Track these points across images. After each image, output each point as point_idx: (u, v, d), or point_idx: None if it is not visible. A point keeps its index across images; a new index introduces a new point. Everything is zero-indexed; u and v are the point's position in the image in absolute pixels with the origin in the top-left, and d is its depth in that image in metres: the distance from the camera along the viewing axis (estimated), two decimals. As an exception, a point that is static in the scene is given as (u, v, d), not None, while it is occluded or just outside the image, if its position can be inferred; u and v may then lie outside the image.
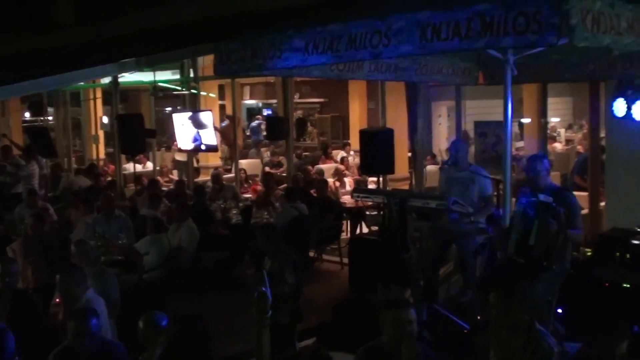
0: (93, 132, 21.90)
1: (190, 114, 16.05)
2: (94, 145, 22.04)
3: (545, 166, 7.85)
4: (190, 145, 16.08)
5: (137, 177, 15.88)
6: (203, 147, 15.81)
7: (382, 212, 10.26)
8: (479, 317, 8.02)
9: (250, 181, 17.16)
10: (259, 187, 16.13)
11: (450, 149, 9.90)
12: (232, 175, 17.62)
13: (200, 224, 11.41)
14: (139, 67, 11.71)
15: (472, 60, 11.30)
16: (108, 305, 7.27)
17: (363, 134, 12.14)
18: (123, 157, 17.52)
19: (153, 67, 14.95)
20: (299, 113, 24.88)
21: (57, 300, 7.16)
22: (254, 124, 25.48)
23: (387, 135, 11.73)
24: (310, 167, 17.57)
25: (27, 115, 26.09)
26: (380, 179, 13.00)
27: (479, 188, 9.33)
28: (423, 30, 6.69)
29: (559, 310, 8.01)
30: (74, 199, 13.25)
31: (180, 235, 10.91)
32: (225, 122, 20.06)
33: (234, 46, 8.56)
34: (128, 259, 10.33)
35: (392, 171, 12.00)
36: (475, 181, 9.32)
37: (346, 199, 15.24)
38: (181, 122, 16.07)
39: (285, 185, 15.18)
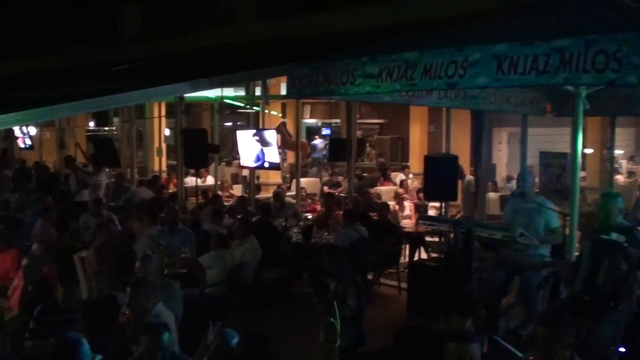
0: (156, 144, 22.22)
1: (254, 131, 16.20)
2: (156, 157, 22.35)
3: (618, 205, 7.79)
4: (253, 162, 16.21)
5: (203, 191, 16.08)
6: (266, 164, 15.92)
7: (443, 239, 10.29)
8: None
9: (309, 200, 17.26)
10: (318, 207, 16.23)
11: (518, 179, 9.86)
12: (292, 193, 17.77)
13: (265, 242, 11.51)
14: (212, 87, 11.88)
15: (541, 90, 11.29)
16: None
17: (428, 159, 12.16)
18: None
19: (223, 86, 15.13)
20: (358, 133, 24.91)
21: (127, 311, 7.27)
22: (317, 142, 25.63)
23: (451, 162, 11.74)
24: (370, 190, 17.61)
25: (91, 124, 26.57)
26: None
27: (545, 220, 9.26)
28: (500, 63, 6.72)
29: (623, 350, 7.91)
30: (138, 211, 13.44)
31: (243, 252, 11.00)
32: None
33: (307, 70, 8.67)
34: (190, 272, 10.49)
35: (455, 198, 12.00)
36: (541, 213, 9.25)
37: (405, 223, 15.25)
38: (245, 139, 16.22)
39: (345, 206, 15.24)
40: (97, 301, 7.43)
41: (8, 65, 25.71)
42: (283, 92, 16.61)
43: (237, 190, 19.79)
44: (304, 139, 24.43)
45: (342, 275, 8.03)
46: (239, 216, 13.31)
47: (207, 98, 19.24)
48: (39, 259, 8.79)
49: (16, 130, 24.98)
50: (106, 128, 25.38)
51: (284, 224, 13.77)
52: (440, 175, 11.57)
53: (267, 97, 15.85)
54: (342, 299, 7.76)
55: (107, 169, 17.24)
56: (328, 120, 27.26)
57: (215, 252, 10.56)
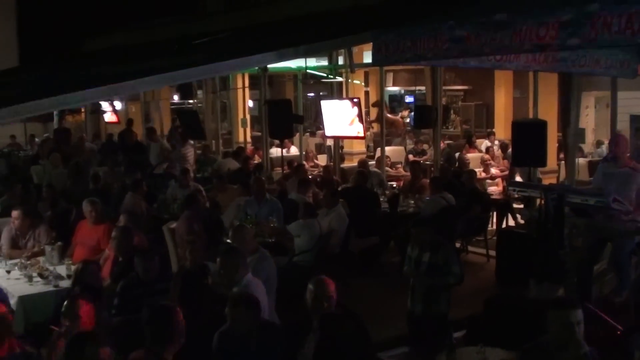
0: (240, 116, 22.37)
1: (339, 100, 16.13)
2: (241, 129, 22.51)
3: None
4: (337, 132, 16.16)
5: (288, 161, 16.14)
6: (350, 133, 15.85)
7: (533, 206, 10.09)
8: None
9: (394, 168, 17.16)
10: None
11: (610, 144, 9.59)
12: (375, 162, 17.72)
13: (359, 209, 11.47)
14: (297, 56, 11.86)
15: (632, 52, 10.93)
16: (265, 286, 7.40)
17: (516, 125, 11.94)
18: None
19: (308, 55, 15.12)
20: (442, 100, 24.64)
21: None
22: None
23: (540, 127, 11.49)
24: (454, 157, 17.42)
25: (175, 97, 26.92)
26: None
27: (638, 186, 9.00)
28: (593, 22, 6.50)
29: None
30: (220, 182, 13.59)
31: (330, 221, 11.00)
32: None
33: (393, 36, 8.54)
34: (279, 241, 10.54)
35: (544, 164, 11.74)
36: (635, 178, 9.00)
37: (492, 190, 15.04)
38: (329, 109, 16.18)
39: (431, 174, 15.12)
40: (189, 271, 7.49)
41: (92, 42, 26.18)
42: (366, 60, 16.54)
43: (322, 160, 19.84)
44: (398, 117, 24.32)
45: (440, 244, 7.91)
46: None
47: (289, 69, 19.28)
48: (129, 230, 8.92)
49: (103, 104, 25.51)
50: (190, 101, 25.67)
51: (369, 192, 13.70)
52: (528, 140, 11.34)
53: (353, 66, 15.75)
54: (444, 267, 7.69)
55: (192, 141, 17.45)
56: (411, 88, 27.01)
57: (303, 220, 10.58)
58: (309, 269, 10.10)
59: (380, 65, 10.85)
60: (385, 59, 8.71)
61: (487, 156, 17.32)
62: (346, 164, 18.40)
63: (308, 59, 17.76)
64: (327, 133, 16.91)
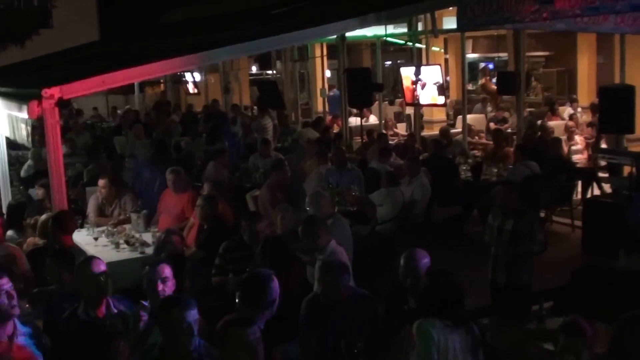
0: (319, 86, 22.32)
1: (419, 68, 15.93)
2: (320, 98, 22.47)
3: None
4: (417, 100, 15.97)
5: (368, 130, 16.04)
6: (431, 101, 15.65)
7: (621, 175, 9.82)
8: None
9: (476, 137, 16.91)
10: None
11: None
12: (456, 130, 17.48)
13: (438, 177, 11.36)
14: (378, 22, 11.72)
15: None
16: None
17: (603, 90, 11.62)
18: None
19: (389, 21, 14.92)
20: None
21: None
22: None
23: (628, 92, 11.14)
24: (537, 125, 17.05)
25: (254, 69, 27.01)
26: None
27: None
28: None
29: None
30: (308, 149, 13.59)
31: (412, 190, 10.90)
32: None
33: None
34: (360, 210, 10.48)
35: (632, 130, 11.39)
36: None
37: (577, 159, 14.69)
38: (409, 76, 16.00)
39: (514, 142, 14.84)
40: (277, 237, 7.49)
41: (170, 14, 26.42)
42: (446, 26, 16.27)
43: (401, 128, 19.67)
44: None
45: (524, 212, 7.74)
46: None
47: (366, 37, 19.09)
48: (214, 198, 8.97)
49: (185, 76, 25.75)
50: (268, 71, 25.73)
51: (452, 161, 13.54)
52: (616, 107, 11.02)
53: (436, 31, 15.49)
54: (529, 236, 7.53)
55: (274, 112, 17.48)
56: (490, 55, 26.50)
57: (386, 189, 10.50)
58: (392, 239, 10.08)
59: (465, 30, 10.64)
60: (471, 22, 8.57)
61: (571, 123, 16.89)
62: (426, 133, 18.20)
63: (387, 27, 17.55)
64: (407, 101, 16.72)
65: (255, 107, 21.24)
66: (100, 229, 9.70)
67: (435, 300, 4.97)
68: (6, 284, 4.98)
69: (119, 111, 26.58)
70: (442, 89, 15.29)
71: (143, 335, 5.30)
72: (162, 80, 29.85)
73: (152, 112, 23.64)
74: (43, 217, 8.28)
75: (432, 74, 15.42)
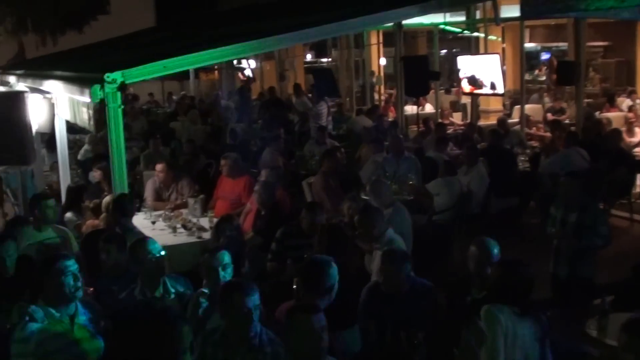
0: (376, 74, 22.22)
1: (476, 57, 15.76)
2: (375, 86, 22.39)
3: None
4: (474, 89, 15.81)
5: (424, 119, 15.93)
6: (489, 90, 15.47)
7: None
8: None
9: (534, 128, 16.68)
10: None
11: None
12: (513, 120, 17.25)
13: (496, 168, 11.23)
14: (439, 10, 11.60)
15: None
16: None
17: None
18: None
19: (450, 9, 14.76)
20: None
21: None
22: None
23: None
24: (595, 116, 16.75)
25: (309, 56, 27.01)
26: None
27: None
28: None
29: None
30: (365, 137, 13.55)
31: (470, 180, 10.79)
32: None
33: (543, -14, 8.23)
34: (417, 199, 10.41)
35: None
36: None
37: (637, 151, 14.41)
38: (466, 65, 15.83)
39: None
40: (336, 225, 7.47)
41: (227, 1, 26.48)
42: (505, 14, 16.04)
43: (457, 117, 19.50)
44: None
45: (588, 204, 7.60)
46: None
47: (423, 24, 18.93)
48: (272, 184, 8.99)
49: (237, 63, 25.86)
50: (323, 59, 25.70)
51: (508, 151, 13.35)
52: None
53: (498, 19, 15.29)
54: (592, 229, 7.40)
55: (329, 100, 17.45)
56: (548, 44, 26.14)
57: (443, 178, 10.42)
58: (449, 229, 10.00)
59: (527, 19, 10.42)
60: (534, 10, 8.43)
61: (631, 114, 16.58)
62: (482, 122, 17.99)
63: (441, 15, 17.38)
64: (465, 90, 16.56)
65: (309, 94, 21.21)
66: (158, 213, 9.79)
67: (506, 288, 4.90)
68: (72, 265, 5.04)
69: (174, 97, 26.82)
70: (500, 79, 15.07)
71: (202, 320, 5.31)
72: (215, 67, 29.99)
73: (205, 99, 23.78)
74: (106, 199, 8.37)
75: (491, 63, 15.22)
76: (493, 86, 15.23)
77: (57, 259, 5.13)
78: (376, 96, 22.40)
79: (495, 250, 5.71)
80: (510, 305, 4.84)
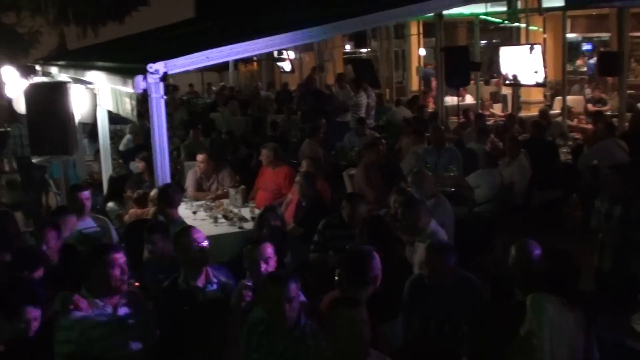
0: (415, 64, 22.11)
1: (519, 47, 15.60)
2: (414, 77, 22.27)
3: None
4: (515, 80, 15.65)
5: (464, 110, 15.82)
6: (530, 82, 15.31)
7: None
8: None
9: (575, 120, 16.50)
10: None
11: None
12: (554, 112, 17.08)
13: (537, 160, 11.11)
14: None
15: None
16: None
17: None
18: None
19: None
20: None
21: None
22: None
23: None
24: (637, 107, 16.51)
25: (347, 47, 26.93)
26: None
27: None
28: None
29: None
30: (406, 128, 13.49)
31: (512, 171, 10.70)
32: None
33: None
34: (458, 191, 10.34)
35: None
36: None
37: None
38: (508, 56, 15.68)
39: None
40: (378, 217, 7.43)
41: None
42: (548, 4, 15.87)
43: (497, 109, 19.35)
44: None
45: (634, 197, 7.48)
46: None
47: (463, 14, 18.79)
48: (313, 175, 8.97)
49: (276, 54, 25.85)
50: (362, 50, 25.61)
51: (550, 143, 13.20)
52: None
53: (542, 9, 15.13)
54: (638, 223, 7.30)
55: (371, 90, 17.39)
56: (589, 35, 25.79)
57: (484, 170, 10.34)
58: (490, 221, 9.92)
59: (572, 8, 10.22)
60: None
61: (673, 106, 16.32)
62: (523, 113, 17.82)
63: (482, 6, 17.22)
64: (506, 81, 16.41)
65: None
66: (199, 203, 9.85)
67: (553, 278, 4.85)
68: (121, 258, 5.09)
69: (214, 88, 26.94)
70: (542, 69, 14.90)
71: (246, 311, 5.32)
72: (255, 59, 30.03)
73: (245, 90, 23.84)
74: (154, 191, 8.43)
75: (533, 54, 15.05)
76: (534, 77, 15.07)
77: (107, 250, 5.19)
78: (415, 87, 22.27)
79: (537, 252, 5.59)
80: (557, 295, 4.78)
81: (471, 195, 10.08)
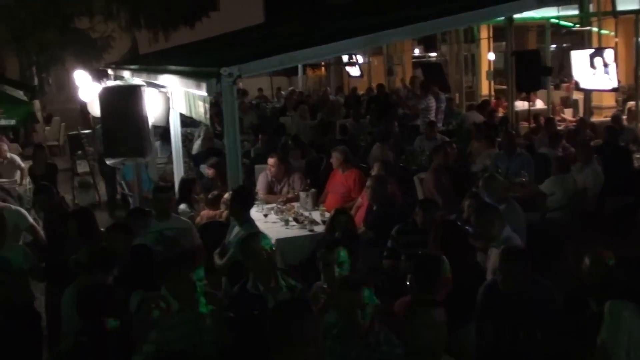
0: (485, 68, 21.93)
1: (590, 51, 15.36)
2: (484, 81, 22.09)
3: None
4: (589, 84, 15.40)
5: (534, 115, 15.64)
6: (602, 86, 15.06)
7: None
8: None
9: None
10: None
11: None
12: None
13: (610, 166, 10.93)
14: (556, 2, 11.35)
15: None
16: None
17: None
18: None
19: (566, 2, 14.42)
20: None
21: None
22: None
23: None
24: None
25: (416, 51, 26.86)
26: None
27: None
28: None
29: None
30: (476, 132, 13.40)
31: (584, 177, 10.53)
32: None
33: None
34: (530, 197, 10.22)
35: None
36: None
37: None
38: (579, 60, 15.45)
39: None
40: (452, 222, 7.40)
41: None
42: (621, 7, 15.59)
43: (568, 114, 19.07)
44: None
45: None
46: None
47: (534, 18, 18.58)
48: (385, 179, 8.97)
49: (345, 58, 25.89)
50: (431, 54, 25.52)
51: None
52: None
53: (617, 12, 14.88)
54: None
55: (442, 94, 17.33)
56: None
57: (556, 176, 10.20)
58: (562, 227, 9.77)
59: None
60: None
61: None
62: (595, 119, 17.53)
63: (553, 9, 17.01)
64: (578, 86, 16.16)
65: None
66: (269, 206, 9.94)
67: (630, 286, 4.77)
68: (201, 272, 5.20)
69: (283, 92, 27.11)
70: (614, 74, 14.64)
71: (320, 314, 5.35)
72: (322, 63, 30.14)
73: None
74: (227, 195, 8.53)
75: (606, 58, 14.80)
76: (606, 82, 14.81)
77: (192, 259, 5.25)
78: (485, 91, 22.08)
79: (610, 263, 5.50)
80: (635, 303, 4.71)
81: (543, 201, 9.95)
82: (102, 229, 7.77)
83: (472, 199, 7.81)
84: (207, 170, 11.34)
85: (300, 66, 26.01)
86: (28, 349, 7.18)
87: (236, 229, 7.56)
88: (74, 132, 18.58)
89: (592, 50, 15.45)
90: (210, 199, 9.70)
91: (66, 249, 7.28)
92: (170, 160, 12.32)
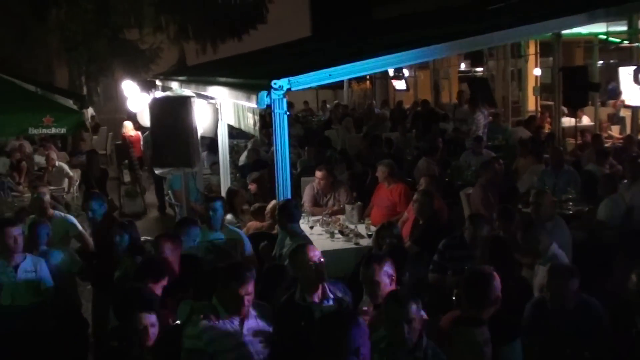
0: (532, 84, 21.80)
1: (635, 67, 15.21)
2: (531, 97, 21.97)
3: None
4: (636, 101, 15.24)
5: (581, 131, 15.52)
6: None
7: None
8: None
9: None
10: None
11: None
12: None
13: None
14: (606, 18, 11.27)
15: None
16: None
17: None
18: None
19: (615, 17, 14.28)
20: None
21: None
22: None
23: None
24: None
25: (462, 66, 26.78)
26: None
27: None
28: None
29: None
30: (522, 148, 13.35)
31: (632, 195, 10.39)
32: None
33: None
34: (578, 214, 10.14)
35: None
36: None
37: None
38: (628, 76, 15.30)
39: None
40: (500, 238, 7.35)
41: (381, 10, 26.61)
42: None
43: (615, 130, 18.86)
44: None
45: None
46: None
47: (581, 34, 18.45)
48: (432, 194, 8.95)
49: (391, 72, 25.91)
50: (478, 69, 25.42)
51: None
52: None
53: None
54: None
55: (485, 109, 17.26)
56: None
57: (609, 199, 9.99)
58: (611, 246, 9.65)
59: None
60: None
61: None
62: (644, 136, 17.33)
63: (602, 25, 16.86)
64: (627, 102, 16.00)
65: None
66: (315, 218, 9.98)
67: None
68: (251, 287, 5.25)
69: (328, 105, 27.20)
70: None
71: (369, 328, 5.37)
72: (368, 77, 30.17)
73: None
74: (272, 203, 8.59)
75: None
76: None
77: (242, 275, 5.25)
78: (531, 107, 21.96)
79: None
80: None
81: (591, 219, 9.85)
82: (149, 238, 7.89)
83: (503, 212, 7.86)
84: (249, 186, 11.43)
85: (345, 80, 26.04)
86: (75, 354, 7.31)
87: (287, 241, 7.61)
88: (120, 142, 18.82)
89: (635, 67, 15.29)
90: (254, 210, 9.77)
91: (114, 257, 7.41)
92: (214, 171, 12.40)
